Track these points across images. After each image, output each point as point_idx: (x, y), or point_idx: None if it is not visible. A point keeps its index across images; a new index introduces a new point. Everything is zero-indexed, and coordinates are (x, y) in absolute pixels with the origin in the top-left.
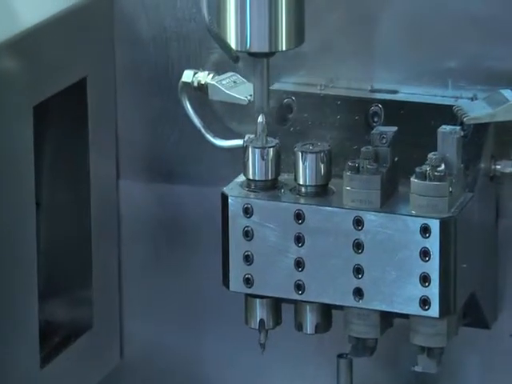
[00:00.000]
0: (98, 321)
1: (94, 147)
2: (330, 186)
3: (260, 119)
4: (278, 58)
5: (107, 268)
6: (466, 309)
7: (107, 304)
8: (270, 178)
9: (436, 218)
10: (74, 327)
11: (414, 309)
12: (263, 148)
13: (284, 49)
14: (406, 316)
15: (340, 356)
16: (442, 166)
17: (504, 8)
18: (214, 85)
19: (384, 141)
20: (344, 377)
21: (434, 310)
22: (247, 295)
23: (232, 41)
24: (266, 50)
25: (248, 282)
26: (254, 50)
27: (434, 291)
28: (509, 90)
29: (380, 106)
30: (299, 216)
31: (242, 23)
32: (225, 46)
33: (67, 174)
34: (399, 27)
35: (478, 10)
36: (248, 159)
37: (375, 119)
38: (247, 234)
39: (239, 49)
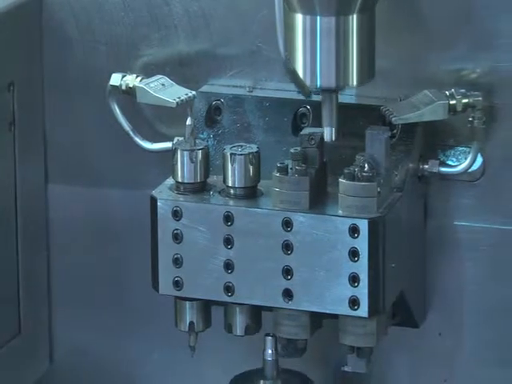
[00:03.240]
0: (26, 326)
1: (21, 151)
2: (259, 187)
3: (189, 122)
4: (206, 60)
5: (36, 273)
6: (395, 308)
7: (36, 309)
8: (198, 180)
9: (364, 218)
10: (1, 333)
11: (343, 309)
12: (192, 150)
13: (354, 84)
14: (335, 316)
15: (267, 334)
16: (370, 167)
17: (430, 12)
18: (142, 88)
19: (312, 142)
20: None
21: (363, 310)
22: (177, 298)
23: (303, 77)
24: (333, 86)
25: (177, 284)
26: (324, 86)
27: (363, 291)
28: (434, 90)
29: (308, 107)
30: (228, 218)
31: (312, 61)
32: (298, 81)
33: None
34: None
35: (405, 14)
36: (177, 162)
37: (303, 120)
38: (176, 237)
39: (309, 85)
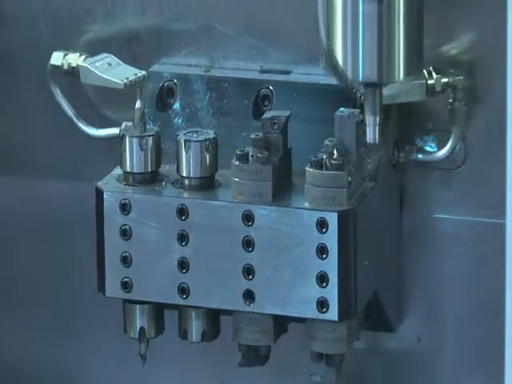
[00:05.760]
0: None
1: None
2: (216, 177)
3: (138, 105)
4: (157, 36)
5: None
6: (368, 311)
7: None
8: (149, 170)
9: (333, 211)
10: None
11: (310, 312)
12: (141, 137)
13: (401, 78)
14: (302, 320)
15: None
16: (340, 154)
17: None
18: (86, 67)
19: (276, 127)
20: None
21: (333, 313)
22: (125, 301)
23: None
24: (375, 80)
25: (126, 286)
26: (365, 79)
27: (332, 292)
28: None
29: (271, 88)
30: (182, 212)
31: (354, 53)
32: (341, 74)
33: None
34: (292, 1)
35: None
36: (125, 150)
37: (266, 103)
38: (125, 233)
39: (351, 78)
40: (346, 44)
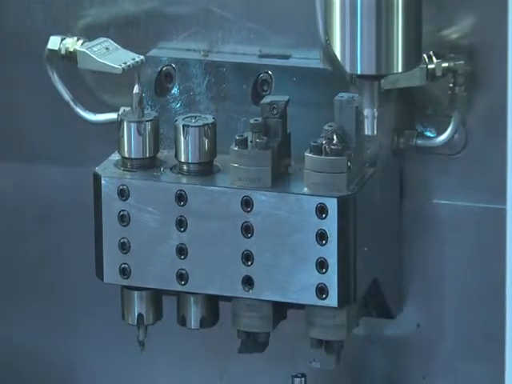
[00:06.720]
0: None
1: None
2: (215, 163)
3: (136, 90)
4: (155, 20)
5: None
6: (368, 297)
7: None
8: (147, 155)
9: (333, 197)
10: None
11: (309, 298)
12: (140, 122)
13: (399, 71)
14: (301, 307)
15: (295, 376)
16: (339, 139)
17: None
18: (83, 52)
19: (275, 112)
20: None
21: (332, 299)
22: (124, 287)
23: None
24: (373, 72)
25: (124, 272)
26: (363, 72)
27: (331, 278)
28: None
29: (270, 72)
30: (181, 197)
31: (352, 46)
32: (338, 67)
33: None
34: None
35: None
36: (123, 135)
37: (265, 88)
38: (123, 219)
39: (349, 71)
40: (344, 36)
